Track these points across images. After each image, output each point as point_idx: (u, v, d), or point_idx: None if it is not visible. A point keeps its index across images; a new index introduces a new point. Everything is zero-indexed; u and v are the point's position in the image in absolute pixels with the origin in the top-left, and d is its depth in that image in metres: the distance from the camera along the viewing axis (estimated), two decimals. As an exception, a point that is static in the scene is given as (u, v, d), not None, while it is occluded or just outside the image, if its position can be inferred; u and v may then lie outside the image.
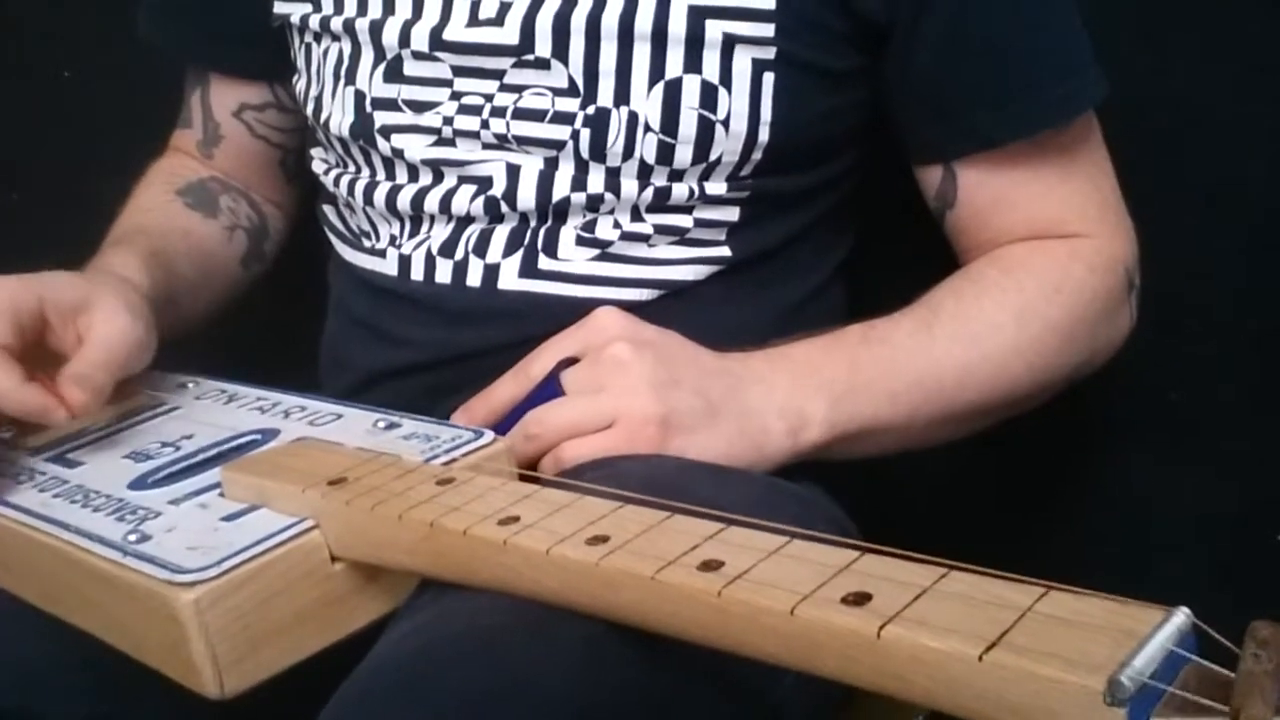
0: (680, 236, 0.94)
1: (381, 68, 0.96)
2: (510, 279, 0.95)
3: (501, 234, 0.95)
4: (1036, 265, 0.94)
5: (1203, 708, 0.42)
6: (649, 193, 0.92)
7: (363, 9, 0.97)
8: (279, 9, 1.03)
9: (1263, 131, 1.07)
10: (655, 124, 0.91)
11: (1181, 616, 0.45)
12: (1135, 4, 1.04)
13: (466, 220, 0.96)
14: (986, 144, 0.94)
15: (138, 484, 0.79)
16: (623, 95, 0.91)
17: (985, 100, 0.93)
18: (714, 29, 0.89)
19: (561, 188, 0.93)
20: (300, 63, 1.04)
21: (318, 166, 1.06)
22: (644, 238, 0.94)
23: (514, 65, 0.92)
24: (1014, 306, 0.92)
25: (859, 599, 0.49)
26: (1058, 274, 0.94)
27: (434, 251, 0.96)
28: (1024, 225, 0.96)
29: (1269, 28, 1.04)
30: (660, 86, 0.91)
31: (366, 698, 0.63)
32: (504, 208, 0.94)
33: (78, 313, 0.86)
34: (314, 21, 0.99)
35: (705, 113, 0.91)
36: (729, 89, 0.90)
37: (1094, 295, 0.94)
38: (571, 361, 0.87)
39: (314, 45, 1.01)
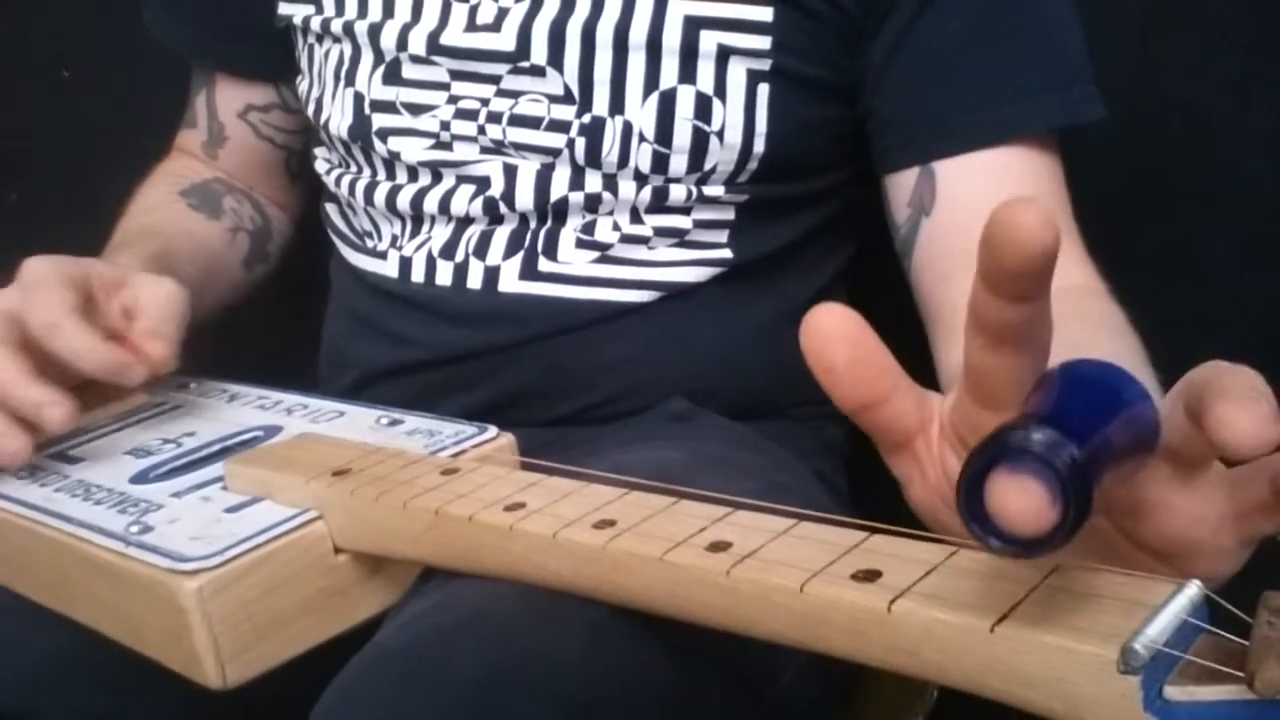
0: (680, 239, 0.94)
1: (380, 70, 0.96)
2: (510, 281, 0.95)
3: (502, 236, 0.95)
4: (1098, 311, 0.86)
5: (1218, 674, 0.42)
6: (646, 193, 0.92)
7: (363, 11, 0.97)
8: (283, 10, 1.03)
9: (1262, 131, 1.07)
10: (650, 134, 0.91)
11: (1194, 588, 0.45)
12: (1135, 4, 1.04)
13: (466, 221, 0.96)
14: (972, 139, 0.91)
15: (139, 478, 0.79)
16: (617, 105, 0.91)
17: (974, 102, 0.91)
18: (709, 40, 0.90)
19: (559, 188, 0.93)
20: (303, 64, 1.05)
21: (320, 166, 1.06)
22: (643, 240, 0.94)
23: (510, 71, 0.92)
24: (1127, 348, 0.80)
25: (869, 576, 0.49)
26: (1117, 318, 0.85)
27: (435, 253, 0.96)
28: None
29: (1268, 28, 1.05)
30: (655, 97, 0.91)
31: (370, 680, 0.63)
32: (503, 208, 0.94)
33: (119, 286, 0.87)
34: (315, 23, 1.00)
35: (700, 124, 0.91)
36: (724, 100, 0.90)
37: (1128, 327, 0.85)
38: None
39: (316, 46, 1.02)
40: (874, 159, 0.95)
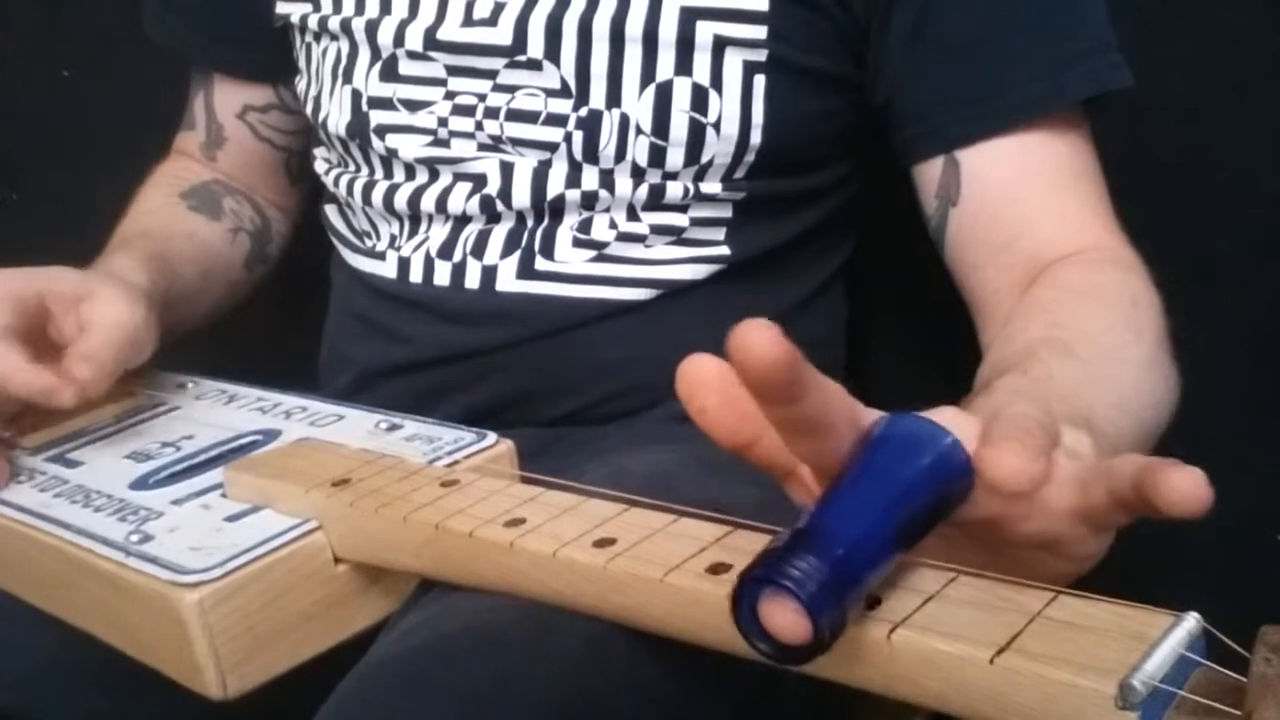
0: (677, 236, 0.94)
1: (377, 67, 0.96)
2: (508, 280, 0.95)
3: (499, 235, 0.95)
4: (1104, 282, 0.85)
5: (1215, 711, 0.42)
6: (643, 190, 0.92)
7: (360, 8, 0.97)
8: (280, 9, 1.03)
9: (1263, 131, 1.06)
10: (646, 127, 0.91)
11: (1192, 621, 0.45)
12: (1135, 4, 1.04)
13: (463, 220, 0.96)
14: (988, 124, 0.90)
15: (139, 484, 0.80)
16: (614, 97, 0.91)
17: (998, 84, 0.89)
18: (705, 31, 0.89)
19: (556, 185, 0.93)
20: (301, 62, 1.05)
21: (319, 166, 1.06)
22: (640, 238, 0.94)
23: (506, 66, 0.92)
24: (1121, 323, 0.81)
25: (869, 603, 0.49)
26: (1126, 288, 0.85)
27: (433, 253, 0.96)
28: (1042, 222, 0.89)
29: (1269, 28, 1.04)
30: (651, 89, 0.91)
31: (367, 693, 0.64)
32: (499, 206, 0.94)
33: (78, 302, 0.87)
34: (313, 21, 0.99)
35: (696, 115, 0.91)
36: (720, 92, 0.90)
37: (1160, 308, 0.85)
38: None
39: (314, 45, 1.01)
40: (898, 150, 0.95)
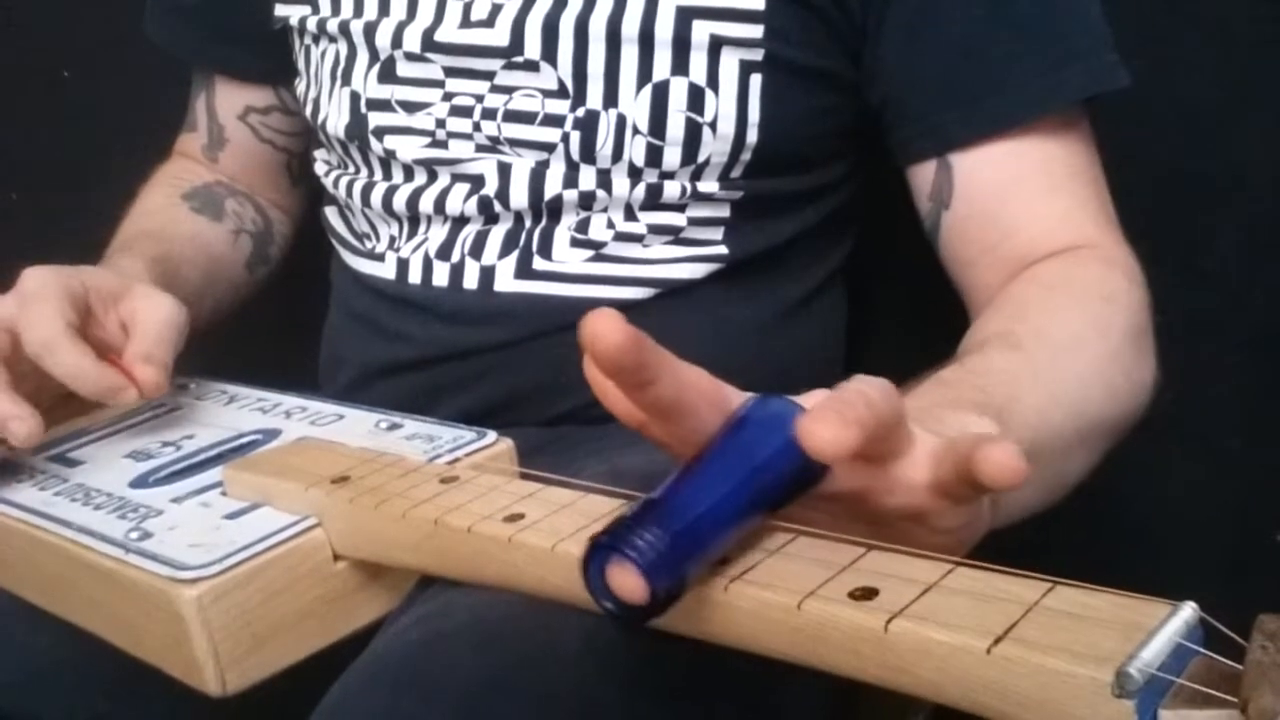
0: (675, 236, 0.94)
1: (376, 69, 0.96)
2: (506, 280, 0.95)
3: (497, 235, 0.95)
4: (1080, 277, 0.86)
5: (1211, 699, 0.42)
6: (640, 190, 0.92)
7: (358, 10, 0.97)
8: (280, 11, 1.03)
9: (1263, 131, 1.07)
10: (643, 126, 0.91)
11: (1189, 610, 0.45)
12: (1135, 4, 1.04)
13: (462, 221, 0.96)
14: (984, 127, 0.90)
15: (139, 483, 0.80)
16: (611, 98, 0.91)
17: (996, 84, 0.89)
18: (701, 30, 0.89)
19: (553, 185, 0.93)
20: (300, 64, 1.05)
21: (320, 168, 1.06)
22: (638, 238, 0.94)
23: (504, 67, 0.92)
24: (1084, 317, 0.82)
25: (866, 594, 0.49)
26: (1103, 284, 0.85)
27: (431, 254, 0.96)
28: (1032, 222, 0.89)
29: (1269, 28, 1.04)
30: (648, 89, 0.91)
31: (367, 688, 0.64)
32: (497, 207, 0.94)
33: (118, 299, 0.88)
34: (311, 23, 1.00)
35: (693, 115, 0.91)
36: (716, 91, 0.90)
37: (1140, 305, 0.86)
38: None
39: (313, 47, 1.02)
40: (894, 151, 0.95)
